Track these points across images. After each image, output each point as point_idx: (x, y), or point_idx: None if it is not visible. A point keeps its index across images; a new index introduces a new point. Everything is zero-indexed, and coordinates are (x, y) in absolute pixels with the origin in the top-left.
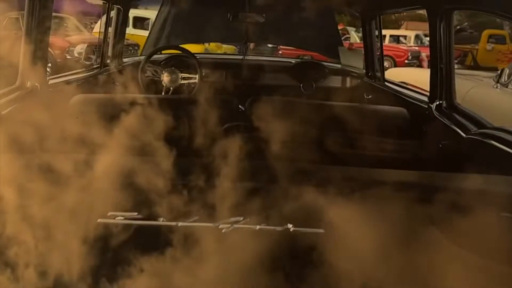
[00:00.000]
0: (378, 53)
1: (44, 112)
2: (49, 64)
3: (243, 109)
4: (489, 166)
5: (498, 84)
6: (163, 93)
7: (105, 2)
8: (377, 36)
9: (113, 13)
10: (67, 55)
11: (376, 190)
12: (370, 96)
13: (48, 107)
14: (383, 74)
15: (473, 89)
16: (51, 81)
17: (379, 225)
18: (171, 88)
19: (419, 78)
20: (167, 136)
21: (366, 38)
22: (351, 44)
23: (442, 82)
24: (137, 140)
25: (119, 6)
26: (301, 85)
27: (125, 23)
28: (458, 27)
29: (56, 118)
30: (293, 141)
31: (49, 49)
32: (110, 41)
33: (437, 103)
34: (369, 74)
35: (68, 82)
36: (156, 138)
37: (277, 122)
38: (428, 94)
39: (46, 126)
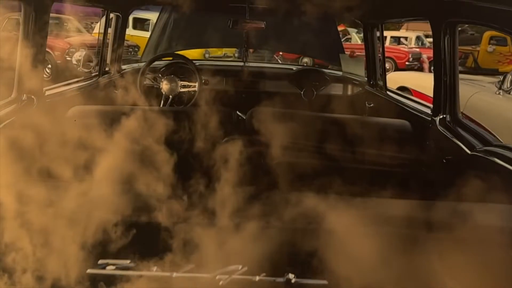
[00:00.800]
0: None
1: (39, 127)
2: (49, 66)
3: (243, 117)
4: (494, 185)
5: (501, 91)
6: (162, 101)
7: (104, 9)
8: (378, 38)
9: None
10: (67, 56)
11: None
12: (371, 104)
13: (44, 121)
14: (385, 83)
15: (475, 95)
16: (48, 92)
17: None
18: (171, 96)
19: (421, 82)
20: (165, 152)
21: (368, 46)
22: (352, 51)
23: (446, 96)
24: (134, 157)
25: (118, 13)
26: (302, 92)
27: (124, 30)
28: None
29: (52, 132)
30: (294, 156)
31: (50, 50)
32: (109, 47)
33: (441, 117)
34: (371, 82)
35: (65, 92)
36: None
37: (278, 136)
38: (430, 104)
39: (42, 142)
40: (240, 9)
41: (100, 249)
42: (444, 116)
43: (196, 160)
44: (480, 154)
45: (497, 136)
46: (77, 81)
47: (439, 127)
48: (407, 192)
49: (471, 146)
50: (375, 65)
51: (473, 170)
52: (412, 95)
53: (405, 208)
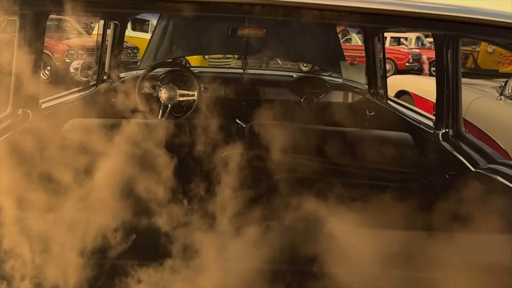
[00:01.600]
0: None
1: (33, 144)
2: (48, 68)
3: (243, 125)
4: (497, 205)
5: (502, 96)
6: (161, 110)
7: (101, 18)
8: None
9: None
10: (66, 58)
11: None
12: (372, 113)
13: (38, 138)
14: (386, 92)
15: (476, 101)
16: (44, 104)
17: None
18: (169, 105)
19: (421, 86)
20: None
21: (369, 54)
22: (353, 58)
23: (448, 110)
24: (132, 173)
25: (116, 21)
26: (302, 100)
27: (122, 38)
28: None
29: (46, 149)
30: (293, 171)
31: (49, 53)
32: (108, 55)
33: (444, 131)
34: (372, 90)
35: (62, 104)
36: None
37: (277, 150)
38: (431, 116)
39: (36, 160)
40: (239, 17)
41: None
42: (447, 130)
43: (194, 176)
44: (484, 172)
45: (499, 143)
46: (74, 92)
47: (442, 142)
48: (410, 208)
49: (474, 163)
50: (376, 73)
51: (477, 189)
52: (413, 99)
53: (407, 226)
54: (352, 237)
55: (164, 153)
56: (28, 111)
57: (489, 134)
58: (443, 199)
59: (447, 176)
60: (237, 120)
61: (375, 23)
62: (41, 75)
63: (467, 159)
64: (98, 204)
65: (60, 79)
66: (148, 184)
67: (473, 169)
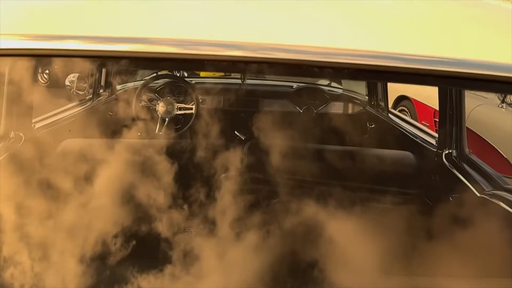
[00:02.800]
0: None
1: (25, 169)
2: (47, 71)
3: (242, 138)
4: (504, 235)
5: (504, 104)
6: (158, 124)
7: None
8: None
9: None
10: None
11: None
12: (373, 125)
13: (31, 161)
14: (386, 104)
15: (477, 108)
16: (38, 124)
17: None
18: (167, 119)
19: (422, 92)
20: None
21: None
22: None
23: (451, 129)
24: (127, 196)
25: None
26: (302, 111)
27: None
28: None
29: (38, 174)
30: (292, 193)
31: None
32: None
33: (447, 151)
34: (372, 103)
35: (56, 123)
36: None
37: (276, 171)
38: (432, 132)
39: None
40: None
41: None
42: (450, 151)
43: (192, 199)
44: (490, 198)
45: (500, 151)
46: (69, 108)
47: (446, 162)
48: (414, 232)
49: (480, 188)
50: (376, 85)
51: (483, 216)
52: (413, 104)
53: (407, 251)
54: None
55: (162, 175)
56: (21, 134)
57: (490, 142)
58: (447, 223)
59: (451, 199)
60: (236, 132)
61: (377, 80)
62: (40, 78)
63: (472, 183)
64: (96, 232)
65: (59, 81)
66: (147, 208)
67: (478, 194)
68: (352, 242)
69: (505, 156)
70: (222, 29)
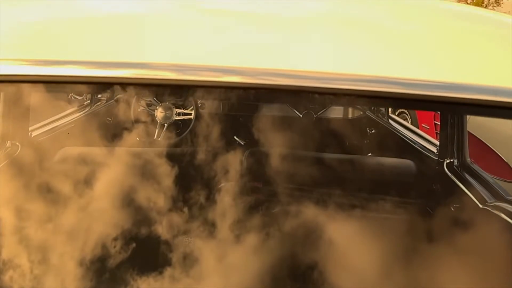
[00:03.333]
0: None
1: (21, 180)
2: None
3: (241, 143)
4: (507, 249)
5: None
6: (157, 130)
7: None
8: None
9: None
10: None
11: None
12: (373, 130)
13: (27, 171)
14: (387, 110)
15: None
16: (35, 132)
17: None
18: (166, 125)
19: None
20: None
21: None
22: None
23: (453, 138)
24: (126, 207)
25: None
26: (302, 115)
27: None
28: None
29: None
30: (293, 202)
31: None
32: None
33: (448, 161)
34: (372, 108)
35: (54, 130)
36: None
37: (277, 180)
38: (433, 139)
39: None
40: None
41: None
42: (452, 160)
43: (192, 206)
44: (492, 210)
45: (500, 154)
46: (67, 114)
47: (447, 172)
48: (413, 240)
49: (482, 199)
50: None
51: (486, 227)
52: None
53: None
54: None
55: (160, 181)
56: (17, 143)
57: (490, 146)
58: (449, 234)
59: (452, 209)
60: (235, 138)
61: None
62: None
63: (474, 193)
64: (96, 242)
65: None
66: (145, 215)
67: (480, 205)
68: (351, 252)
69: (505, 159)
70: (222, 54)
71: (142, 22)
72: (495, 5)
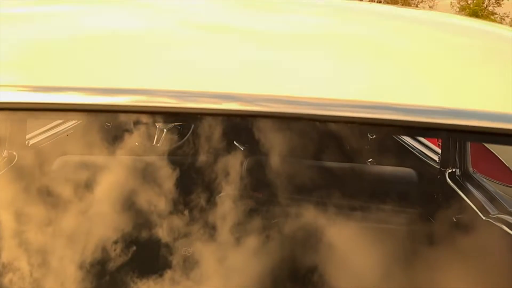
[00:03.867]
0: None
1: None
2: None
3: (241, 148)
4: (510, 263)
5: None
6: (156, 135)
7: None
8: None
9: None
10: None
11: None
12: (374, 136)
13: (24, 182)
14: None
15: None
16: (32, 140)
17: None
18: (165, 130)
19: None
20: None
21: None
22: None
23: (455, 147)
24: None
25: None
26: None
27: None
28: None
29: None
30: (291, 211)
31: None
32: None
33: (450, 170)
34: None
35: (51, 138)
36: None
37: (277, 189)
38: (434, 146)
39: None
40: None
41: None
42: (454, 170)
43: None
44: (495, 223)
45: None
46: (65, 121)
47: (449, 182)
48: (414, 252)
49: (484, 210)
50: None
51: (489, 240)
52: None
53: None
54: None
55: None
56: (14, 153)
57: (491, 150)
58: (450, 246)
59: (454, 220)
60: (235, 142)
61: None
62: None
63: (476, 205)
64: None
65: None
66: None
67: (483, 217)
68: (351, 262)
69: (506, 164)
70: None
71: (140, 46)
72: (495, 5)
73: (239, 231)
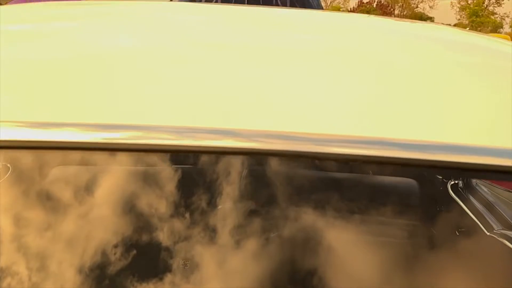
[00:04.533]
0: None
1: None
2: None
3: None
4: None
5: None
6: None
7: None
8: None
9: None
10: None
11: None
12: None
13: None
14: None
15: None
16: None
17: None
18: None
19: None
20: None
21: None
22: None
23: None
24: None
25: None
26: None
27: None
28: None
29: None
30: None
31: None
32: None
33: (453, 182)
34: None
35: (47, 148)
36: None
37: (275, 201)
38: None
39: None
40: None
41: None
42: (456, 181)
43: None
44: (500, 239)
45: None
46: None
47: (451, 193)
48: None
49: (487, 224)
50: None
51: (493, 257)
52: None
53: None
54: None
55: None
56: (8, 165)
57: None
58: (453, 262)
59: (457, 234)
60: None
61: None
62: None
63: (480, 219)
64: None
65: None
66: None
67: (487, 232)
68: (349, 276)
69: None
70: (220, 116)
71: (136, 81)
72: (495, 5)
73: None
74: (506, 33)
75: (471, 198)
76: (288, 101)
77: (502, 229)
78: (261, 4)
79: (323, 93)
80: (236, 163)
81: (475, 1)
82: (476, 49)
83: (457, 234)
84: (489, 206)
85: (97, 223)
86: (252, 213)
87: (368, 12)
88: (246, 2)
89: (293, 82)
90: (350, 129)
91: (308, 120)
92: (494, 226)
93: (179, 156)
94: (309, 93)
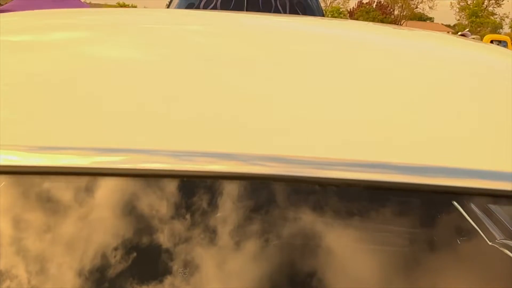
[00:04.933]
0: None
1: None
2: None
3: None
4: None
5: None
6: None
7: None
8: None
9: None
10: None
11: None
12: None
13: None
14: None
15: None
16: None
17: None
18: None
19: None
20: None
21: None
22: None
23: None
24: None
25: None
26: None
27: None
28: (459, 33)
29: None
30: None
31: None
32: None
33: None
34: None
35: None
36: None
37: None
38: None
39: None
40: None
41: None
42: None
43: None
44: (502, 249)
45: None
46: None
47: (453, 202)
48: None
49: (489, 234)
50: None
51: (496, 267)
52: None
53: None
54: None
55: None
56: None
57: None
58: (454, 271)
59: (458, 243)
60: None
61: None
62: None
63: (482, 229)
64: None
65: None
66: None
67: (489, 242)
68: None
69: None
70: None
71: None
72: (495, 5)
73: None
74: (505, 34)
75: (473, 206)
76: (289, 124)
77: (505, 239)
78: (261, 8)
79: (325, 116)
80: (235, 188)
81: (474, 2)
82: (476, 65)
83: (458, 243)
84: (490, 215)
85: (89, 252)
86: (250, 238)
87: (367, 12)
88: (245, 5)
89: (293, 103)
90: (351, 152)
91: (309, 143)
92: (496, 235)
93: (176, 180)
94: (310, 116)
